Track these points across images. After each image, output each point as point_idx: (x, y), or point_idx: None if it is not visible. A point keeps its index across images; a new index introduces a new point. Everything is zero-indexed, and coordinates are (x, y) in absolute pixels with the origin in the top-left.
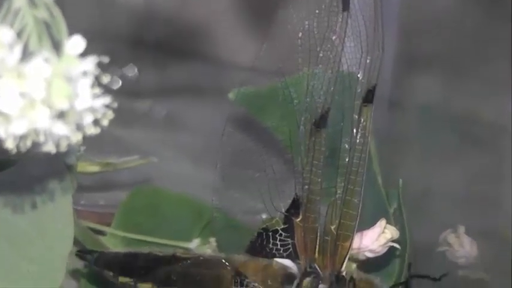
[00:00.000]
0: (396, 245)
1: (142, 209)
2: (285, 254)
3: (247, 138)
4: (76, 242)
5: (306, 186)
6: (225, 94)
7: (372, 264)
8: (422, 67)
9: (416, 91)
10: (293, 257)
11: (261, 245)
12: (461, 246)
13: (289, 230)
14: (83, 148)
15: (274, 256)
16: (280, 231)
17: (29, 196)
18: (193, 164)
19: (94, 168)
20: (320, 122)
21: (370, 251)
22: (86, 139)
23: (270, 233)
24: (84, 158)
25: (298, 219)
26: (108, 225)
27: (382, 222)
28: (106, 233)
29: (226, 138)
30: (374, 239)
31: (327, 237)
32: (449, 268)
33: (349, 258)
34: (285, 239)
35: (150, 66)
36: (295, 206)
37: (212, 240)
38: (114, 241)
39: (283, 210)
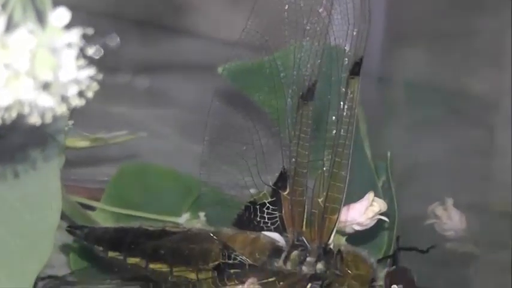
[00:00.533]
0: (384, 218)
1: (131, 184)
2: (272, 227)
3: (235, 112)
4: (65, 217)
5: (293, 160)
6: (212, 69)
7: (360, 238)
8: (411, 41)
9: (404, 65)
10: (280, 230)
11: (248, 218)
12: (449, 219)
13: (277, 203)
14: (71, 122)
15: (262, 229)
16: (268, 205)
17: (15, 169)
18: (182, 139)
19: (83, 144)
20: (307, 95)
21: (358, 224)
22: (74, 114)
23: (258, 207)
24: (72, 133)
25: (286, 193)
26: (98, 200)
27: (370, 195)
28: (95, 208)
29: (213, 112)
30: (362, 212)
31: (314, 210)
32: (437, 241)
33: (337, 232)
34: (273, 212)
35: (136, 42)
36: (282, 179)
37: (201, 214)
38: (103, 216)
39: (271, 184)
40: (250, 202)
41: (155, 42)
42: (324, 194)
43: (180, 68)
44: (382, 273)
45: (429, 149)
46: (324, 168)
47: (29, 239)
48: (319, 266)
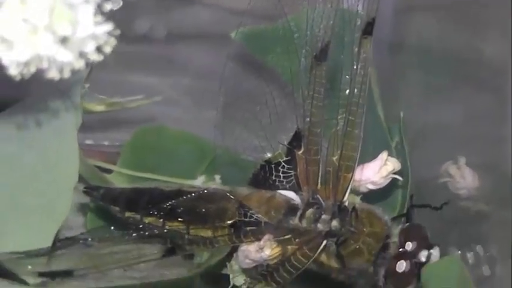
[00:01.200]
0: (398, 177)
1: (147, 148)
2: (287, 186)
3: (248, 74)
4: (83, 179)
5: (307, 119)
6: (224, 37)
7: (374, 197)
8: (423, 5)
9: (417, 30)
10: (296, 188)
11: (263, 177)
12: (462, 178)
13: (292, 162)
14: (87, 86)
15: (277, 188)
16: (283, 164)
17: (32, 130)
18: (196, 105)
19: (99, 108)
20: (320, 56)
21: (372, 183)
22: (90, 78)
23: (273, 166)
24: (88, 97)
25: (300, 152)
26: (114, 163)
27: (384, 155)
28: (112, 171)
29: (227, 75)
30: (376, 171)
31: (329, 168)
32: (450, 199)
33: (351, 191)
34: (288, 171)
35: (150, 11)
36: (297, 139)
37: (217, 177)
38: (120, 179)
39: (286, 143)
40: (265, 161)
41: (168, 10)
42: (338, 152)
43: (192, 36)
44: (396, 230)
45: (442, 113)
46: (338, 127)
47: (47, 198)
48: (334, 223)
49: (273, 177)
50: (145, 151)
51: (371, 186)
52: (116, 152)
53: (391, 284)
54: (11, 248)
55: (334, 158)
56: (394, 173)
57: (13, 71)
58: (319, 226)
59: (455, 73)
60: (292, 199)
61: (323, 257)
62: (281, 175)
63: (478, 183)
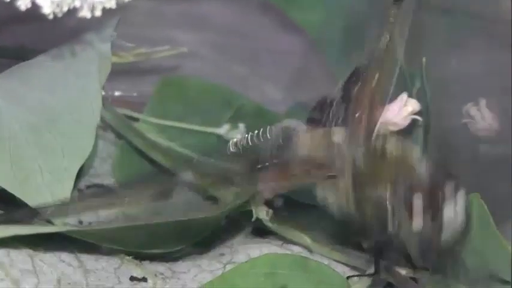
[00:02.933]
0: (418, 118)
1: (172, 97)
2: (339, 121)
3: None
4: (110, 128)
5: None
6: None
7: None
8: None
9: None
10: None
11: (320, 111)
12: (483, 119)
13: (345, 98)
14: (115, 34)
15: (330, 123)
16: (339, 100)
17: (59, 77)
18: (221, 59)
19: (126, 59)
20: None
21: (393, 124)
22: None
23: (328, 101)
24: (116, 44)
25: (357, 88)
26: (140, 112)
27: (404, 96)
28: (138, 120)
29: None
30: (395, 112)
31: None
32: (471, 142)
33: None
34: (340, 106)
35: None
36: (355, 75)
37: (241, 125)
38: (146, 127)
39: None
40: (322, 97)
41: None
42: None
43: None
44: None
45: (463, 64)
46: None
47: (69, 137)
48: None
49: (328, 113)
50: (171, 101)
51: (391, 128)
52: (143, 102)
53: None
54: (37, 186)
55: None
56: (414, 114)
57: (46, 10)
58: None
59: (476, 29)
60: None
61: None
62: (335, 109)
63: (497, 126)
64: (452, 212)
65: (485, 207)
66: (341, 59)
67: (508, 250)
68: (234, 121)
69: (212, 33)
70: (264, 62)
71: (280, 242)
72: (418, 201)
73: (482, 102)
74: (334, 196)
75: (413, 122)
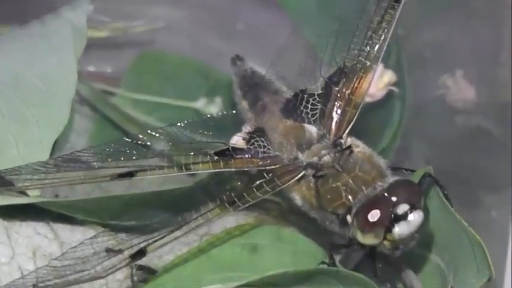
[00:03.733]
0: (394, 89)
1: (149, 72)
2: (312, 119)
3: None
4: (87, 102)
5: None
6: None
7: (372, 112)
8: None
9: None
10: (317, 122)
11: (294, 105)
12: (459, 90)
13: (325, 96)
14: (91, 7)
15: (302, 119)
16: (316, 96)
17: (36, 50)
18: (197, 33)
19: (102, 33)
20: None
21: (369, 95)
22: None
23: (306, 96)
24: (92, 19)
25: (337, 88)
26: (117, 87)
27: (380, 67)
28: (115, 94)
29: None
30: (372, 83)
31: (340, 102)
32: (447, 113)
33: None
34: (317, 104)
35: None
36: (338, 75)
37: (218, 99)
38: (123, 102)
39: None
40: (301, 90)
41: None
42: (352, 86)
43: None
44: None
45: (440, 35)
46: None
47: (46, 110)
48: (326, 158)
49: (301, 108)
50: (147, 75)
51: (368, 99)
52: (119, 77)
53: (356, 226)
54: (12, 159)
55: (347, 92)
56: (391, 86)
57: None
58: (301, 157)
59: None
60: (311, 133)
61: (303, 188)
62: (309, 106)
63: (474, 96)
64: (405, 230)
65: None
66: (320, 33)
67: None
68: (210, 95)
69: (189, 8)
70: (242, 36)
71: (255, 213)
72: (372, 217)
73: (459, 72)
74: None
75: (390, 93)
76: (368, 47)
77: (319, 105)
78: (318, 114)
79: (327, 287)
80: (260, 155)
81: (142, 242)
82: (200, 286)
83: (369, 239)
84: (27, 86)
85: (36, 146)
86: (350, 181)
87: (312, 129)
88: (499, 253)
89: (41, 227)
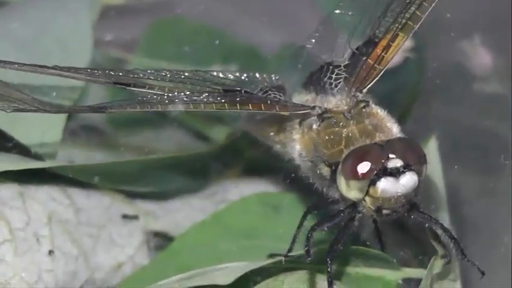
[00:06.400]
0: (411, 55)
1: (164, 38)
2: (335, 90)
3: None
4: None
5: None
6: None
7: (389, 77)
8: None
9: None
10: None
11: (318, 77)
12: (476, 55)
13: (350, 66)
14: None
15: (325, 91)
16: (342, 67)
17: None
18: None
19: (118, 0)
20: None
21: None
22: None
23: (331, 67)
24: None
25: (365, 58)
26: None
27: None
28: (131, 61)
29: None
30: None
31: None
32: (464, 79)
33: None
34: (341, 73)
35: None
36: (366, 46)
37: (233, 66)
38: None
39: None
40: (327, 63)
41: None
42: (386, 43)
43: None
44: None
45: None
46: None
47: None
48: (337, 103)
49: (325, 79)
50: (162, 42)
51: None
52: (134, 44)
53: (342, 172)
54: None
55: (379, 50)
56: (408, 52)
57: None
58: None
59: None
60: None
61: (304, 130)
62: (333, 76)
63: (491, 62)
64: (391, 188)
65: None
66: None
67: None
68: (226, 62)
69: None
70: (256, 2)
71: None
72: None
73: (477, 38)
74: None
75: (406, 59)
76: (403, 19)
77: (344, 74)
78: (341, 83)
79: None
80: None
81: (158, 209)
82: (216, 254)
83: (351, 192)
84: (44, 50)
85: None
86: (355, 130)
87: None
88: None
89: (56, 192)
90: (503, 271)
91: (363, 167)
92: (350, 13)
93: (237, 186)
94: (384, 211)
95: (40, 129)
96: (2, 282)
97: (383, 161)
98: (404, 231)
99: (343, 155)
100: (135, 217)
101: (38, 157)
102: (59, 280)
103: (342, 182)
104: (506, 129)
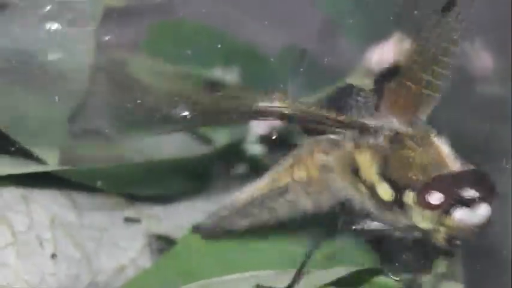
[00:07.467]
0: None
1: (165, 40)
2: (365, 112)
3: None
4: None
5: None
6: None
7: None
8: None
9: None
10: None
11: (341, 98)
12: (478, 58)
13: (377, 90)
14: None
15: (351, 110)
16: (368, 90)
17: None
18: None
19: (119, 2)
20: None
21: (388, 62)
22: None
23: (354, 89)
24: None
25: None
26: (134, 56)
27: (397, 34)
28: (133, 63)
29: None
30: (390, 50)
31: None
32: (466, 82)
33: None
34: (369, 96)
35: None
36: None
37: (235, 68)
38: (139, 70)
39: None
40: (348, 85)
41: None
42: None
43: None
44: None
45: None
46: None
47: (64, 78)
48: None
49: (351, 101)
50: (163, 43)
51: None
52: (135, 46)
53: (416, 201)
54: (31, 127)
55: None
56: None
57: None
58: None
59: None
60: None
61: (366, 158)
62: (361, 100)
63: (492, 64)
64: (467, 218)
65: None
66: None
67: None
68: (226, 64)
69: None
70: (258, 4)
71: None
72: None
73: (478, 40)
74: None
75: None
76: None
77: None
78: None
79: None
80: None
81: (160, 211)
82: (219, 258)
83: (424, 221)
84: (49, 49)
85: (55, 113)
86: (424, 156)
87: None
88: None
89: (59, 196)
90: (505, 274)
91: (439, 199)
92: (352, 16)
93: (240, 188)
94: (455, 241)
95: (43, 133)
96: (5, 286)
97: (458, 191)
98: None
99: (414, 181)
100: (137, 220)
101: (41, 161)
102: (62, 283)
103: (414, 210)
104: (507, 132)
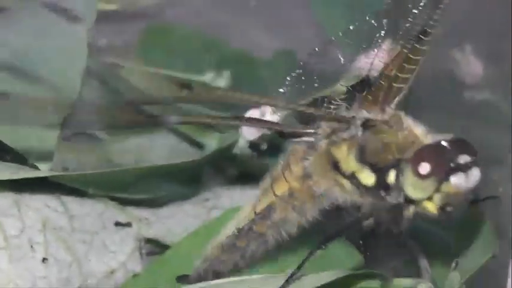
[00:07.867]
0: None
1: (157, 45)
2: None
3: None
4: (97, 76)
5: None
6: None
7: None
8: None
9: None
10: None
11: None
12: (467, 64)
13: (348, 99)
14: None
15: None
16: (339, 100)
17: (47, 25)
18: (207, 7)
19: (111, 6)
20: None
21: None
22: None
23: (326, 99)
24: None
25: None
26: (126, 60)
27: (387, 41)
28: (123, 67)
29: None
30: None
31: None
32: (456, 88)
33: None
34: (340, 102)
35: None
36: (362, 85)
37: (225, 73)
38: (132, 75)
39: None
40: (320, 97)
41: None
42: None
43: None
44: None
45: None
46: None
47: (58, 81)
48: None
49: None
50: (155, 48)
51: (376, 73)
52: (127, 50)
53: (410, 170)
54: (23, 132)
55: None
56: None
57: None
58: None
59: None
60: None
61: (343, 150)
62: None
63: (482, 71)
64: (463, 183)
65: None
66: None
67: None
68: (218, 68)
69: None
70: (249, 9)
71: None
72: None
73: (468, 47)
74: None
75: None
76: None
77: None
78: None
79: None
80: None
81: (151, 215)
82: None
83: (418, 191)
84: (40, 58)
85: (47, 118)
86: (399, 136)
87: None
88: (506, 229)
89: (50, 200)
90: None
91: (433, 164)
92: (345, 21)
93: (230, 193)
94: (449, 208)
95: (35, 138)
96: None
97: (453, 156)
98: (395, 240)
99: (397, 159)
100: (128, 224)
101: (33, 166)
102: (53, 286)
103: (408, 181)
104: (499, 137)
